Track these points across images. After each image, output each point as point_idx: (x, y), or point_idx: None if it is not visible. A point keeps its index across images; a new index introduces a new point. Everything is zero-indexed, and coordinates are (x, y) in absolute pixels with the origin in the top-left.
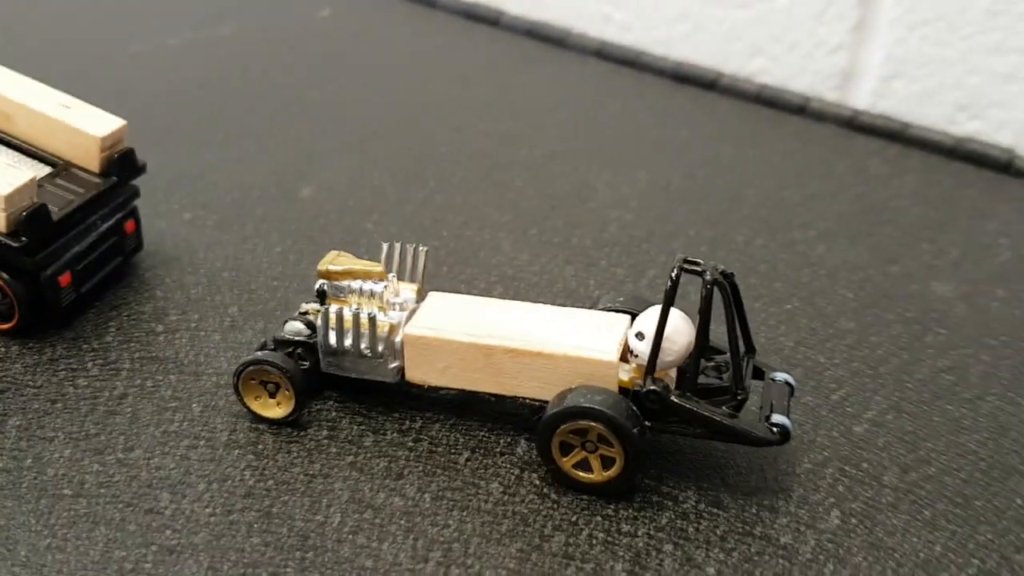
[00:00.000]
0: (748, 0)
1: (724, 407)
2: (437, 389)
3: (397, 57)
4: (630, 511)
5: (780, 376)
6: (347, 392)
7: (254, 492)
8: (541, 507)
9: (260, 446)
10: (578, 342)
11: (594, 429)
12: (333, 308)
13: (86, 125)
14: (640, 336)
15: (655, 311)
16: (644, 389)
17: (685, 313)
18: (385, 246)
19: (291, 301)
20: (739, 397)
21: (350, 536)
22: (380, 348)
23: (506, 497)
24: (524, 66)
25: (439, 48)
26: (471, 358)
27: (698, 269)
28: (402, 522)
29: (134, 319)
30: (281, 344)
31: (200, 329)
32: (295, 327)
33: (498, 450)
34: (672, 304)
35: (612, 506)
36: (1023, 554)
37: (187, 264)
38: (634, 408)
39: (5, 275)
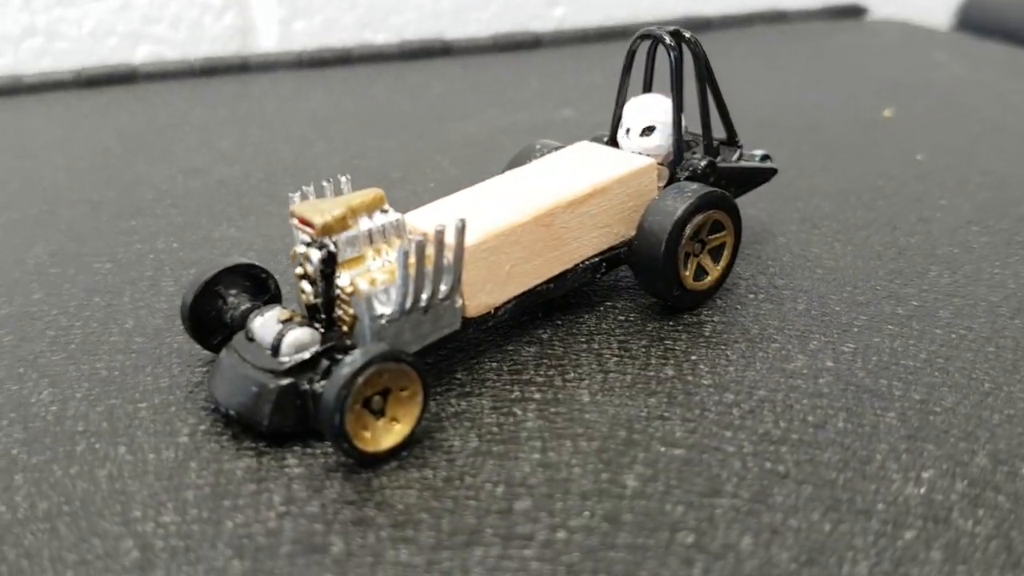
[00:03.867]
0: None
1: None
2: (497, 313)
3: None
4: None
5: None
6: None
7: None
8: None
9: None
10: (609, 168)
11: (710, 218)
12: (411, 250)
13: None
14: (649, 131)
15: (646, 105)
16: (701, 167)
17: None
18: (296, 195)
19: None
20: (739, 145)
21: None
22: (451, 286)
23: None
24: None
25: None
26: (532, 241)
27: (682, 32)
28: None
29: None
30: (299, 370)
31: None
32: (300, 339)
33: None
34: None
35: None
36: None
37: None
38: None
39: None
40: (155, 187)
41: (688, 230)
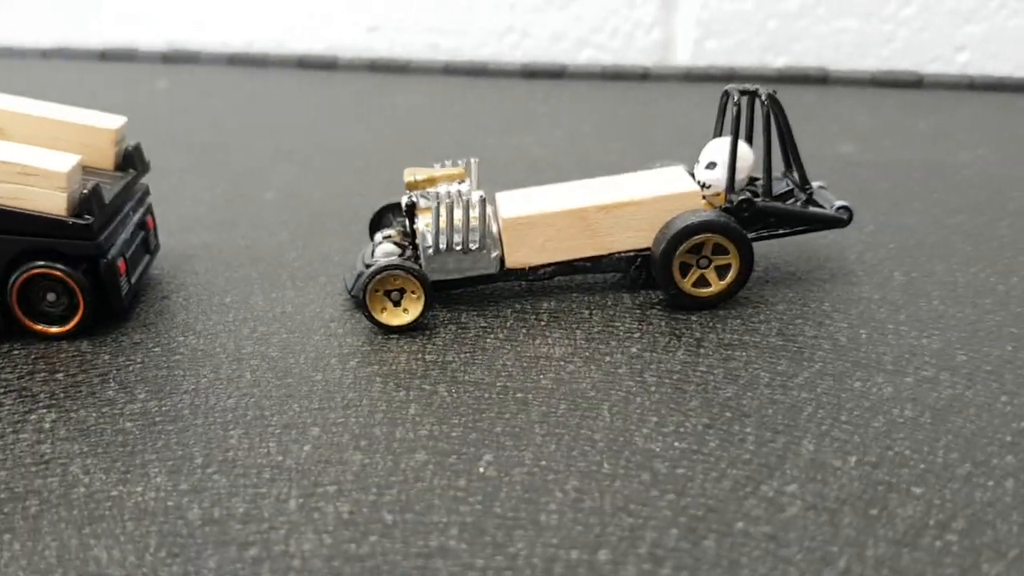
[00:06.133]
0: (564, 2)
1: (797, 203)
2: (535, 272)
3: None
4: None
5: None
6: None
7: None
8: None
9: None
10: (659, 187)
11: (710, 240)
12: (443, 206)
13: (94, 122)
14: (712, 166)
15: (718, 144)
16: (736, 201)
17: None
18: (437, 164)
19: (323, 257)
20: (808, 191)
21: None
22: (481, 241)
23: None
24: (394, 90)
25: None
26: (568, 226)
27: (752, 89)
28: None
29: (200, 298)
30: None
31: (275, 292)
32: (386, 250)
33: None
34: (739, 134)
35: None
36: None
37: (206, 251)
38: (731, 218)
39: (62, 266)
40: (490, 157)
41: (684, 246)
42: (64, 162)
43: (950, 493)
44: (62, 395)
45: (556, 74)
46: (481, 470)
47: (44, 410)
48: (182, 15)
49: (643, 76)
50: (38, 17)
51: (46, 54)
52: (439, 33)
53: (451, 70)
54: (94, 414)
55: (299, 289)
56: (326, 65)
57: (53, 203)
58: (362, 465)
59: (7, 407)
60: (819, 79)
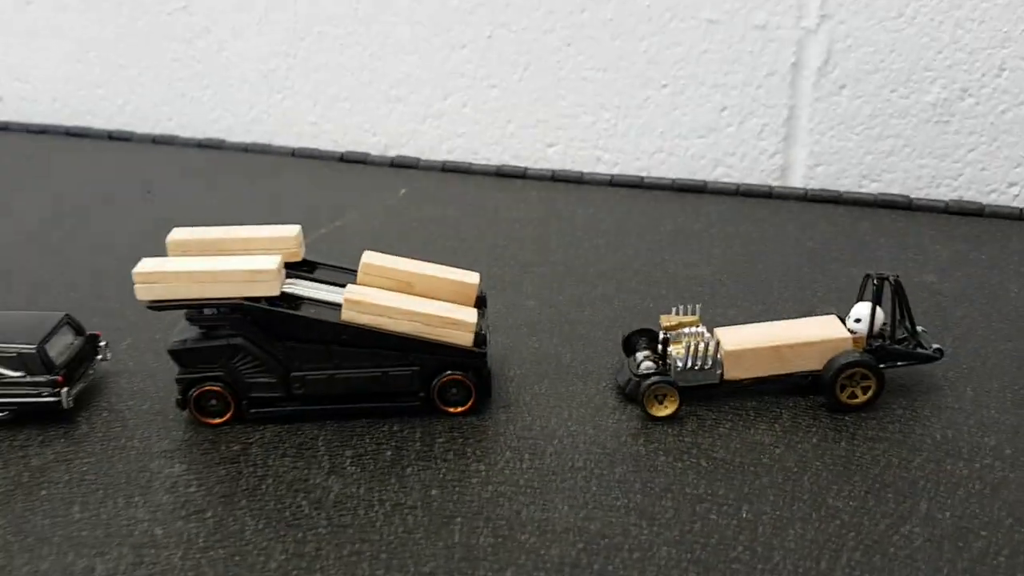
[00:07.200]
0: (705, 132)
1: (910, 346)
2: (742, 382)
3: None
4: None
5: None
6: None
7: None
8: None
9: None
10: (823, 333)
11: (859, 371)
12: (685, 344)
13: (465, 278)
14: (858, 320)
15: (862, 307)
16: (874, 346)
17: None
18: (674, 309)
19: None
20: (916, 337)
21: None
22: (711, 363)
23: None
24: (573, 200)
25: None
26: (766, 355)
27: (885, 275)
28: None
29: (521, 387)
30: (643, 377)
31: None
32: (648, 365)
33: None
34: (875, 301)
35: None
36: None
37: (510, 352)
38: (872, 356)
39: (462, 373)
40: (664, 274)
41: (843, 374)
42: (472, 315)
43: (1000, 535)
44: (480, 453)
45: (698, 189)
46: (743, 515)
47: (474, 463)
48: (401, 125)
49: (767, 194)
50: (285, 122)
51: (295, 153)
52: (601, 150)
53: (615, 182)
54: (506, 469)
55: (583, 383)
56: (518, 175)
57: (464, 339)
58: (673, 510)
59: (451, 461)
60: (904, 205)
